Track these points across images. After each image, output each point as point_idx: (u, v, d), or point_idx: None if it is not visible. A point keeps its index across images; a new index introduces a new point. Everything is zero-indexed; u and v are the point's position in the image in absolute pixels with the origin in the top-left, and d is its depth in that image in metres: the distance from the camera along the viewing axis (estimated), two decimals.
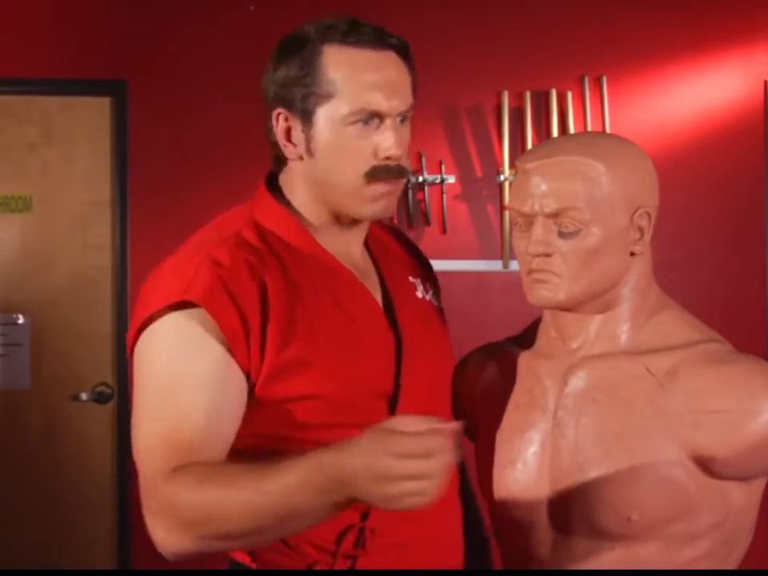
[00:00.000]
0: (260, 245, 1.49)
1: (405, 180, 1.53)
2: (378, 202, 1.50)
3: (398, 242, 1.75)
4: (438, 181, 3.56)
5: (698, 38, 3.66)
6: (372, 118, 1.47)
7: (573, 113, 3.58)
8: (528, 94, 3.59)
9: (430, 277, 1.74)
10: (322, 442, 1.44)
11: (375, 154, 1.48)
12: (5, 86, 3.56)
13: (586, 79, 3.60)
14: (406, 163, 1.51)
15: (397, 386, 1.53)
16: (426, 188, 3.57)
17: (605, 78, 3.60)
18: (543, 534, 1.46)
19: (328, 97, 1.48)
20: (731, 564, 1.46)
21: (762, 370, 1.36)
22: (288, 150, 1.53)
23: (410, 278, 1.66)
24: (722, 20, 3.66)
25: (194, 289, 1.39)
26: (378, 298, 1.59)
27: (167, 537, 1.35)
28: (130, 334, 1.46)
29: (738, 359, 1.39)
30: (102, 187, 3.60)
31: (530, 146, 3.57)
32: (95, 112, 3.60)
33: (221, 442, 1.39)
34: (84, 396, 3.57)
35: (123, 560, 3.55)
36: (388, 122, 1.48)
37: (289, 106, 1.51)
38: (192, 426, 1.36)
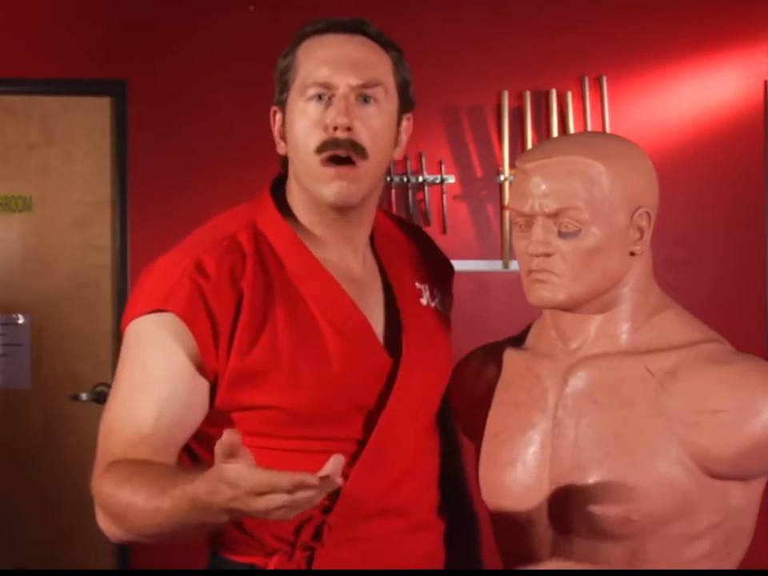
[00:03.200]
0: (251, 249, 1.50)
1: (364, 159, 1.48)
2: (332, 182, 1.48)
3: (414, 244, 1.72)
4: (437, 181, 3.56)
5: (698, 38, 3.65)
6: (324, 92, 1.47)
7: (573, 113, 3.58)
8: (528, 94, 3.59)
9: (441, 282, 1.71)
10: (285, 449, 1.47)
11: (325, 127, 1.47)
12: (5, 86, 3.56)
13: (586, 79, 3.60)
14: (366, 140, 1.47)
15: (383, 399, 1.53)
16: (426, 188, 3.57)
17: (605, 78, 3.60)
18: (543, 533, 1.46)
19: (293, 80, 1.51)
20: (731, 564, 1.46)
21: (762, 370, 1.36)
22: (279, 147, 1.55)
23: (417, 284, 1.65)
24: (722, 20, 3.66)
25: (174, 298, 1.44)
26: (380, 304, 1.59)
27: (102, 525, 1.42)
28: (121, 328, 1.53)
29: (738, 359, 1.39)
30: (102, 187, 3.60)
31: (530, 146, 3.57)
32: (95, 112, 3.60)
33: (168, 444, 1.43)
34: (84, 396, 3.57)
35: (123, 560, 3.55)
36: (337, 93, 1.47)
37: (276, 102, 1.55)
38: (140, 426, 1.41)
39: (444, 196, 3.58)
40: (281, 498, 1.13)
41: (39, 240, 3.60)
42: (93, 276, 3.60)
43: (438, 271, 1.73)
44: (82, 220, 3.60)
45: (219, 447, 1.16)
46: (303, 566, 1.52)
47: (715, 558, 1.42)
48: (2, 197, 3.59)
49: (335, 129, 1.45)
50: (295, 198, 1.56)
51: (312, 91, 1.47)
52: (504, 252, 3.60)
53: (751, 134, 3.66)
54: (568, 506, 1.42)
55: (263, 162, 3.52)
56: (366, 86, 1.48)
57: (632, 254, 1.44)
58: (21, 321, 3.60)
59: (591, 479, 1.40)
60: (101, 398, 3.57)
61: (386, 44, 1.53)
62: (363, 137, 1.47)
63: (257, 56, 3.58)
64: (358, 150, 1.47)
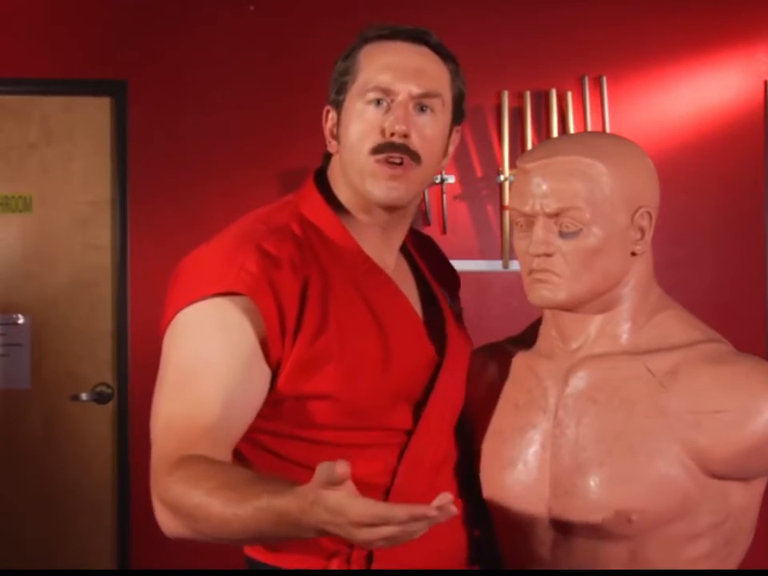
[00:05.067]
0: (303, 238, 1.52)
1: (417, 164, 1.51)
2: (384, 182, 1.50)
3: (428, 252, 1.76)
4: (437, 181, 3.56)
5: (698, 38, 3.65)
6: (384, 97, 1.50)
7: (573, 113, 3.58)
8: (528, 94, 3.58)
9: (451, 290, 1.76)
10: (333, 443, 1.46)
11: (383, 131, 1.50)
12: (5, 86, 3.56)
13: (586, 79, 3.60)
14: (420, 148, 1.51)
15: (427, 392, 1.55)
16: (426, 188, 3.56)
17: (605, 78, 3.60)
18: (543, 533, 1.46)
19: (353, 82, 1.53)
20: (731, 564, 1.46)
21: (762, 370, 1.36)
22: (330, 145, 1.58)
23: (441, 290, 1.69)
24: (722, 20, 3.66)
25: (243, 278, 1.42)
26: (417, 303, 1.62)
27: (163, 520, 1.37)
28: (167, 316, 1.47)
29: (739, 359, 1.40)
30: (102, 187, 3.60)
31: (530, 146, 3.57)
32: (95, 112, 3.60)
33: (231, 435, 1.41)
34: (84, 396, 3.57)
35: (123, 560, 3.55)
36: (397, 100, 1.50)
37: (332, 102, 1.57)
38: (206, 416, 1.37)
39: (444, 196, 3.58)
40: (390, 530, 1.10)
41: (39, 240, 3.60)
42: (93, 276, 3.60)
43: (449, 280, 1.78)
44: (82, 220, 3.60)
45: (325, 474, 1.10)
46: (363, 566, 1.50)
47: (715, 558, 1.42)
48: (1, 197, 3.59)
49: (392, 134, 1.49)
50: (341, 193, 1.59)
51: (372, 95, 1.50)
52: (504, 252, 3.60)
53: (751, 133, 3.66)
54: (568, 505, 1.42)
55: (263, 162, 3.54)
56: (425, 95, 1.52)
57: (633, 254, 1.44)
58: (21, 321, 3.59)
59: (592, 479, 1.40)
60: (101, 398, 3.58)
61: (445, 56, 1.57)
62: (418, 144, 1.51)
63: (257, 56, 3.58)
64: (413, 155, 1.51)
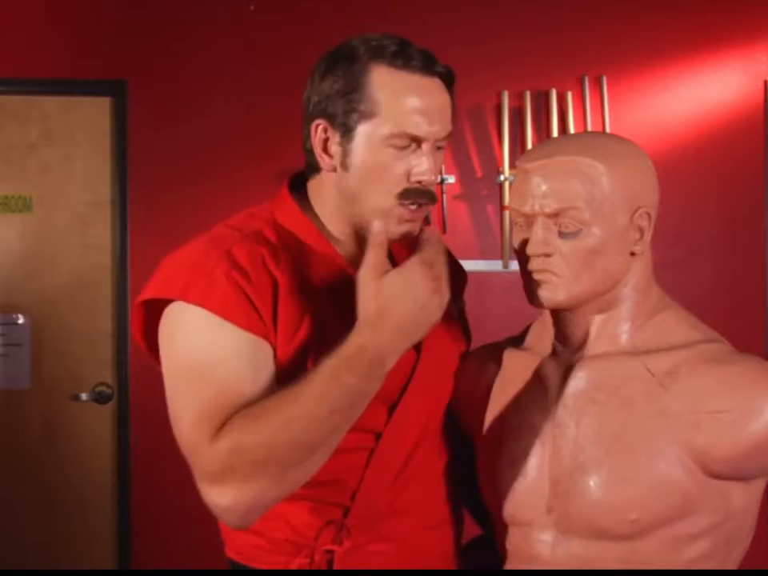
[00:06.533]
0: (277, 242, 1.52)
1: (433, 203, 1.55)
2: (405, 223, 1.52)
3: None
4: (437, 181, 3.56)
5: (698, 38, 3.66)
6: (411, 141, 1.49)
7: (573, 113, 3.58)
8: (528, 94, 3.59)
9: (456, 286, 1.73)
10: None
11: (408, 176, 1.50)
12: (5, 86, 3.56)
13: (586, 79, 3.60)
14: (434, 185, 1.53)
15: (402, 392, 1.55)
16: None
17: (605, 78, 3.60)
18: (543, 533, 1.46)
19: (371, 115, 1.49)
20: (731, 564, 1.46)
21: (762, 370, 1.36)
22: (324, 161, 1.54)
23: None
24: (722, 20, 3.66)
25: (213, 294, 1.42)
26: None
27: (239, 494, 1.34)
28: (137, 302, 1.49)
29: (739, 359, 1.39)
30: (102, 187, 3.60)
31: (530, 146, 3.57)
32: (95, 112, 3.60)
33: None
34: (84, 396, 3.57)
35: (123, 560, 3.56)
36: (425, 146, 1.50)
37: (330, 118, 1.52)
38: (236, 394, 1.37)
39: (444, 196, 3.58)
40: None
41: (39, 240, 3.60)
42: (93, 276, 3.60)
43: (452, 277, 1.75)
44: (82, 220, 3.60)
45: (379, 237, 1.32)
46: (325, 567, 1.52)
47: (715, 558, 1.42)
48: (1, 197, 3.59)
49: (419, 181, 1.50)
50: (328, 207, 1.57)
51: (401, 141, 1.49)
52: (504, 252, 3.60)
53: (751, 133, 3.67)
54: (568, 506, 1.42)
55: (263, 162, 3.54)
56: (444, 138, 1.53)
57: (632, 254, 1.44)
58: (21, 321, 3.60)
59: (591, 479, 1.40)
60: (101, 398, 3.58)
61: (449, 84, 1.55)
62: (434, 182, 1.53)
63: (257, 56, 3.58)
64: (433, 198, 1.53)
